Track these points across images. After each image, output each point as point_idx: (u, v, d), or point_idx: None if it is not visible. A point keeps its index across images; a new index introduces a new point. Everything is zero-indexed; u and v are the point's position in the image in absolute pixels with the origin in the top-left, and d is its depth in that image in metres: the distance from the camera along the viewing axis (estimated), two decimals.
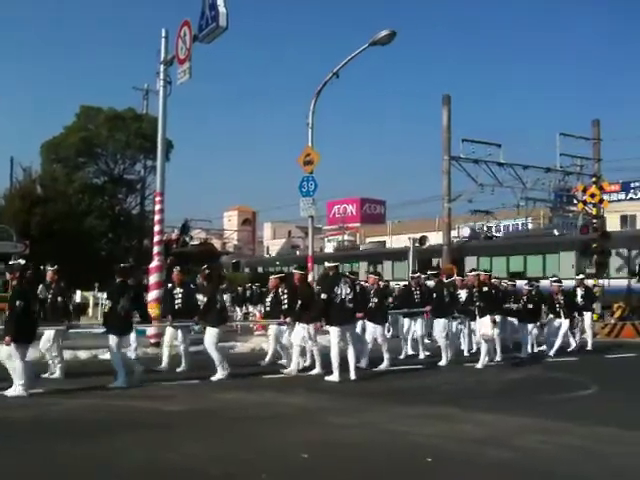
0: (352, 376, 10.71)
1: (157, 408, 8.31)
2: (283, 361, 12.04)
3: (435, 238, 34.80)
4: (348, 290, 10.84)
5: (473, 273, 13.75)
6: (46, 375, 10.39)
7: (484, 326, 12.39)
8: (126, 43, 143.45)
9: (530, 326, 14.62)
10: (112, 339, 9.83)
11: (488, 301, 12.53)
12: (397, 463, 5.84)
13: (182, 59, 15.33)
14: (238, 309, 24.21)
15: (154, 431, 6.94)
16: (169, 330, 11.91)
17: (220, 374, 10.53)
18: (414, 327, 13.89)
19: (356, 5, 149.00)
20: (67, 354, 11.97)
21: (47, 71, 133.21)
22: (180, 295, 11.76)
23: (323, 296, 10.67)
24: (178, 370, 11.42)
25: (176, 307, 11.76)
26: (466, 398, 9.31)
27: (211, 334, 10.71)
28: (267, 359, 12.50)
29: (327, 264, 11.51)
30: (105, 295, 10.93)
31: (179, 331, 11.72)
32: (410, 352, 14.17)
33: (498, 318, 12.88)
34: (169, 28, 16.14)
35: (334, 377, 10.53)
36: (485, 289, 12.64)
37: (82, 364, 11.85)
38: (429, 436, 6.85)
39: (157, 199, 16.41)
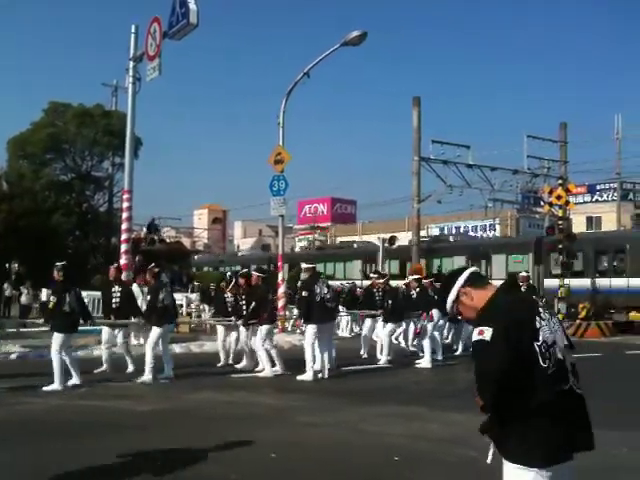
0: (325, 374, 10.79)
1: (126, 408, 8.23)
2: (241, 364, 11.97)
3: (405, 238, 35.01)
4: (326, 290, 10.96)
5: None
6: None
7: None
8: (95, 39, 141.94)
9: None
10: (57, 337, 9.48)
11: (424, 302, 13.26)
12: (366, 462, 5.86)
13: (152, 56, 15.18)
14: (207, 308, 24.02)
15: (123, 432, 6.87)
16: (106, 330, 11.26)
17: (146, 377, 10.16)
18: (382, 328, 13.88)
19: (330, 6, 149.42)
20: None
21: (15, 67, 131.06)
22: (119, 294, 11.04)
23: (304, 293, 10.72)
24: (127, 372, 10.95)
25: (114, 306, 11.05)
26: (435, 397, 9.39)
27: (152, 334, 10.40)
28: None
29: (304, 265, 11.54)
30: (50, 292, 10.38)
31: (119, 332, 11.17)
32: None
33: (436, 316, 13.31)
34: (139, 24, 16.00)
35: (307, 376, 10.54)
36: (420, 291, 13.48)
37: (46, 363, 11.66)
38: (398, 436, 6.90)
39: (125, 197, 16.25)
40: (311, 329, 10.77)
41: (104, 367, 11.12)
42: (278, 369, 11.25)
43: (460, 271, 3.10)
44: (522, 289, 3.00)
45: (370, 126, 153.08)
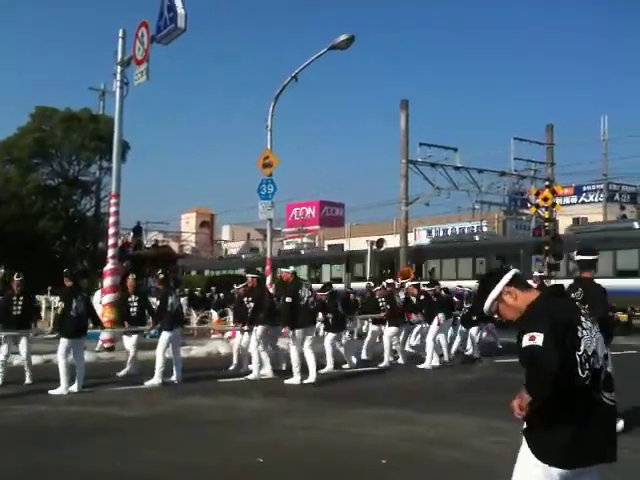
0: (311, 379, 10.61)
1: (111, 414, 8.21)
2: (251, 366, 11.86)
3: (393, 241, 35.12)
4: (309, 294, 11.03)
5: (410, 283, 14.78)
6: None
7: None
8: (82, 43, 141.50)
9: (474, 329, 14.93)
10: (63, 342, 9.72)
11: (427, 306, 13.57)
12: (353, 465, 5.89)
13: (139, 60, 15.15)
14: (194, 312, 23.96)
15: (108, 437, 6.85)
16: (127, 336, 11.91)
17: (155, 380, 10.35)
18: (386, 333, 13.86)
19: (318, 8, 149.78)
20: (17, 359, 11.75)
21: (1, 70, 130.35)
22: (136, 303, 11.84)
23: (288, 299, 10.61)
24: (119, 374, 11.28)
25: (132, 314, 11.83)
26: (421, 399, 9.44)
27: (162, 338, 10.62)
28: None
29: (283, 270, 11.44)
30: (57, 299, 10.87)
31: (134, 337, 11.70)
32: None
33: (442, 320, 13.40)
34: (127, 28, 15.97)
35: (295, 380, 10.50)
36: (422, 297, 13.78)
37: (33, 369, 11.60)
38: (385, 438, 6.93)
39: (112, 201, 16.18)
40: (298, 333, 10.68)
41: (127, 369, 11.45)
42: (267, 372, 11.28)
43: (503, 271, 3.12)
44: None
45: (358, 128, 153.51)
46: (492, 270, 3.38)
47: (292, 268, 11.63)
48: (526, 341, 2.78)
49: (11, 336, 10.38)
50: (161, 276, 11.63)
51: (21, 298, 10.49)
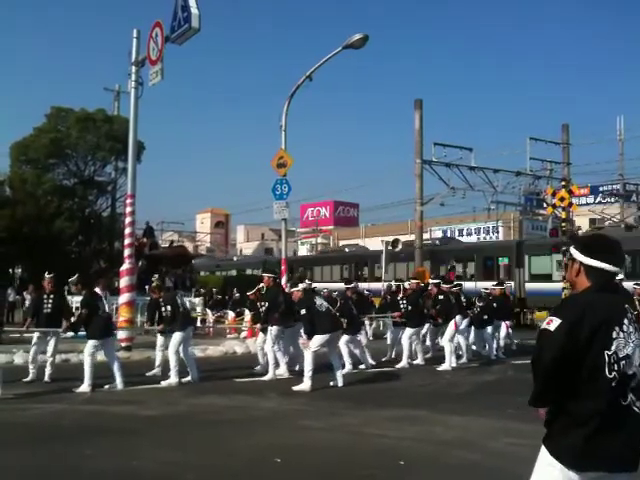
0: (339, 383, 10.46)
1: (128, 413, 8.23)
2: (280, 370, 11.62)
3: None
4: (326, 302, 10.89)
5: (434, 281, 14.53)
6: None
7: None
8: (97, 43, 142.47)
9: (489, 329, 14.87)
10: (90, 343, 9.82)
11: (445, 307, 13.45)
12: (370, 466, 5.84)
13: (154, 60, 15.18)
14: (210, 312, 24.00)
15: (125, 437, 6.86)
16: (160, 336, 11.86)
17: (172, 380, 10.42)
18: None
19: (328, 7, 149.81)
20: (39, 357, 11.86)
21: (17, 71, 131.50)
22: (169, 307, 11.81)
23: (303, 312, 10.38)
24: (149, 374, 11.39)
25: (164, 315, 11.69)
26: (438, 400, 9.37)
27: (174, 338, 10.66)
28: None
29: (294, 289, 11.22)
30: (75, 299, 10.99)
31: (162, 337, 11.64)
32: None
33: (459, 321, 13.41)
34: (141, 29, 16.01)
35: (305, 386, 10.11)
36: (440, 297, 13.57)
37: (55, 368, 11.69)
38: (401, 439, 6.88)
39: (128, 201, 16.23)
40: (317, 339, 10.31)
41: (155, 370, 11.51)
42: (282, 372, 11.24)
43: (607, 254, 2.90)
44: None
45: (373, 128, 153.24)
46: (607, 240, 3.04)
47: (301, 285, 11.38)
48: (544, 323, 2.77)
49: (42, 334, 10.54)
50: (154, 284, 11.81)
51: (51, 297, 10.64)
